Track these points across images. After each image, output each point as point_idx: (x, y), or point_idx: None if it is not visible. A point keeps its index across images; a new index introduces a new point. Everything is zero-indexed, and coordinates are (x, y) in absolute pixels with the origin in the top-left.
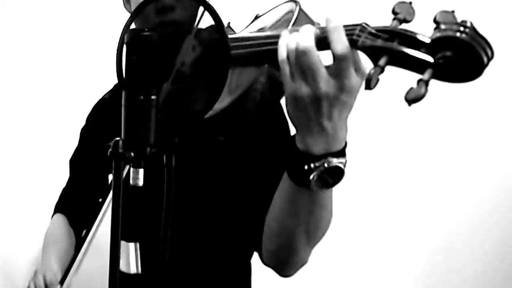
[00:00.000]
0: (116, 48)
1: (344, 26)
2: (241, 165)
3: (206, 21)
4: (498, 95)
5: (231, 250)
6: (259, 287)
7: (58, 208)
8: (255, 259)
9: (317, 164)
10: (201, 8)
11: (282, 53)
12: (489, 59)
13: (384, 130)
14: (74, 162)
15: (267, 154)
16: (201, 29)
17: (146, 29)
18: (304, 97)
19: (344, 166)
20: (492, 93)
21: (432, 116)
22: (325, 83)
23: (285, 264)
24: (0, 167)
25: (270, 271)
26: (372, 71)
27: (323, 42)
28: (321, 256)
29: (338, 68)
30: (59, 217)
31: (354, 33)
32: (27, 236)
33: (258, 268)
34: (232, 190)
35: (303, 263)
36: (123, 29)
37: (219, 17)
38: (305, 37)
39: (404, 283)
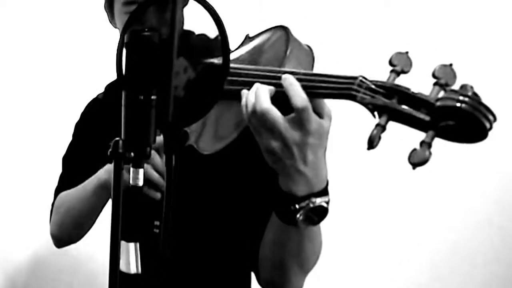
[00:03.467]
0: (116, 48)
1: (341, 77)
2: (236, 179)
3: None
4: (498, 99)
5: (231, 254)
6: None
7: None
8: None
9: (302, 205)
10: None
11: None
12: (492, 125)
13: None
14: (68, 158)
15: (259, 175)
16: (192, 34)
17: (146, 29)
18: (275, 149)
19: (328, 204)
20: (493, 96)
21: None
22: (290, 133)
23: None
24: (0, 168)
25: None
26: (375, 131)
27: (281, 96)
28: (324, 257)
29: (299, 118)
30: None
31: (352, 87)
32: (27, 236)
33: None
34: (226, 201)
35: None
36: (122, 32)
37: (220, 20)
38: (261, 100)
39: (405, 285)
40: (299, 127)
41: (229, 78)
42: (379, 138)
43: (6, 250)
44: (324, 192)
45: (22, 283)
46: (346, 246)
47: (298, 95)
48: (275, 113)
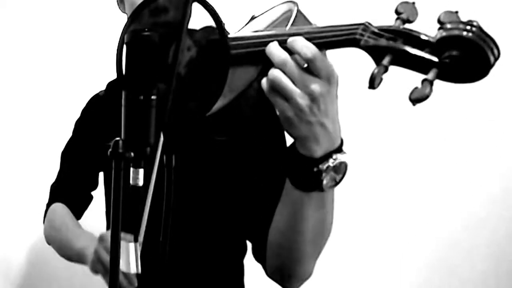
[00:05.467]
0: (116, 48)
1: (346, 25)
2: (239, 166)
3: (202, 20)
4: (500, 97)
5: (224, 250)
6: (252, 287)
7: (53, 199)
8: (248, 259)
9: (326, 165)
10: (195, 8)
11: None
12: (496, 59)
13: (388, 132)
14: (67, 154)
15: (264, 158)
16: (197, 30)
17: (146, 29)
18: (303, 107)
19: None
20: (494, 95)
21: (436, 117)
22: (314, 84)
23: (291, 277)
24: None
25: (262, 271)
26: (376, 70)
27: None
28: (322, 257)
29: (315, 68)
30: (59, 205)
31: (356, 32)
32: (26, 236)
33: (251, 268)
34: (228, 190)
35: (308, 275)
36: (123, 30)
37: (219, 17)
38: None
39: (406, 284)
40: (321, 77)
41: (236, 42)
42: (381, 79)
43: (5, 249)
44: (341, 148)
45: (21, 283)
46: (341, 247)
47: (304, 46)
48: (294, 69)
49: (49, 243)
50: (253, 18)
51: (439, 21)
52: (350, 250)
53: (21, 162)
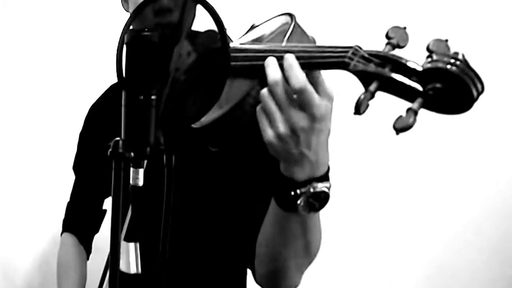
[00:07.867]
0: (116, 48)
1: (337, 47)
2: (233, 176)
3: (204, 23)
4: (502, 98)
5: (226, 252)
6: None
7: (66, 226)
8: None
9: (303, 190)
10: (199, 10)
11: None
12: (479, 93)
13: (388, 133)
14: (76, 168)
15: (258, 169)
16: (200, 33)
17: (146, 29)
18: (283, 135)
19: (329, 189)
20: (496, 95)
21: (437, 117)
22: (297, 117)
23: (276, 287)
24: (0, 168)
25: None
26: (362, 96)
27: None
28: (323, 258)
29: (301, 101)
30: (68, 238)
31: (346, 55)
32: (27, 237)
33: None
34: (224, 199)
35: (294, 286)
36: (123, 29)
37: (220, 18)
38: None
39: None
40: (304, 110)
41: (234, 55)
42: (367, 105)
43: (6, 251)
44: (325, 177)
45: (22, 284)
46: (342, 249)
47: (295, 77)
48: (282, 93)
49: None
50: (253, 27)
51: (428, 49)
52: (352, 254)
53: (25, 163)
